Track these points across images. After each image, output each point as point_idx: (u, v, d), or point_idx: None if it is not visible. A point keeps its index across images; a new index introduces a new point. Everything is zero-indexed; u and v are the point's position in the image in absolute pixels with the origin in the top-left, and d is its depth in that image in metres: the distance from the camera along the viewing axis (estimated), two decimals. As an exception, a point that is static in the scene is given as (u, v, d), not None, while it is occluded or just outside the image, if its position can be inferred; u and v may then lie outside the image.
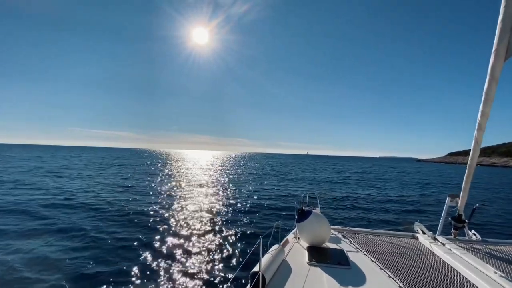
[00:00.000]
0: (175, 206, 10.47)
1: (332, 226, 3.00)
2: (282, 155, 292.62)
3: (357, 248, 2.66)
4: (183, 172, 26.69)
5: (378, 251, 2.58)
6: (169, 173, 25.47)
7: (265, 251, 2.17)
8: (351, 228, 3.38)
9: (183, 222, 8.08)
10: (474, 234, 3.39)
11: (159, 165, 37.86)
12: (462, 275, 2.08)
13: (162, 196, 12.62)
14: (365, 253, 2.52)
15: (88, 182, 16.62)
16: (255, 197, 13.05)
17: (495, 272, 2.03)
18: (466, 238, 3.32)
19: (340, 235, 3.05)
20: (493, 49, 2.58)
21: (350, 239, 2.92)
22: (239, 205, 10.91)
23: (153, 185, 16.36)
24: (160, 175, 23.17)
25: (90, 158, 48.89)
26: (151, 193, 13.33)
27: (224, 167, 38.04)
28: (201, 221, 8.22)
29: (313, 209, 3.06)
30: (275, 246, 2.33)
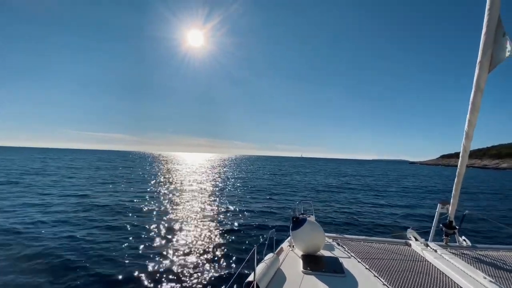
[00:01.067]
0: (145, 220, 8.28)
1: (326, 234, 3.01)
2: (277, 157, 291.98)
3: (351, 255, 2.65)
4: (167, 176, 24.17)
5: (372, 258, 2.58)
6: (150, 177, 22.85)
7: (259, 260, 2.11)
8: (345, 235, 3.35)
9: (158, 238, 6.44)
10: (465, 240, 3.41)
11: (143, 168, 35.05)
12: (453, 281, 2.12)
13: (127, 210, 10.20)
14: (359, 260, 2.51)
15: (41, 189, 13.85)
16: (248, 203, 12.18)
17: (485, 277, 2.06)
18: (457, 244, 3.34)
19: (334, 243, 3.02)
20: (478, 61, 2.64)
21: (344, 246, 2.91)
22: (231, 212, 10.09)
23: (119, 194, 13.83)
24: (137, 180, 20.72)
25: (69, 161, 45.42)
26: (114, 205, 10.77)
27: (216, 171, 35.84)
28: (189, 231, 7.49)
29: (308, 216, 3.01)
30: (270, 255, 2.28)
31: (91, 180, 18.92)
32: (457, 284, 2.09)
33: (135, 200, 11.75)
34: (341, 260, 2.48)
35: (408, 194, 18.12)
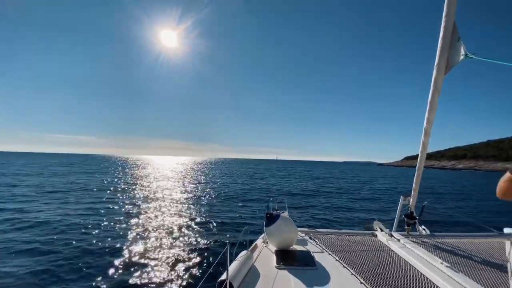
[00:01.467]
0: (91, 237, 6.90)
1: (299, 229, 3.12)
2: (253, 160, 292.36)
3: (322, 248, 2.77)
4: (132, 182, 22.09)
5: (342, 250, 2.73)
6: (111, 184, 20.67)
7: (233, 258, 2.14)
8: (317, 229, 3.48)
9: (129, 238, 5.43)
10: (424, 229, 3.75)
11: (106, 173, 31.99)
12: (414, 268, 2.34)
13: (71, 226, 8.71)
14: (330, 252, 2.65)
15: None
16: (220, 208, 11.82)
17: (442, 263, 2.30)
18: (417, 233, 3.65)
19: (307, 237, 3.13)
20: (435, 64, 2.82)
21: (316, 240, 3.04)
22: (201, 218, 9.75)
23: (68, 205, 12.01)
24: (95, 188, 18.52)
25: (20, 166, 40.28)
26: (56, 221, 9.15)
27: (188, 175, 33.89)
28: (160, 233, 7.51)
29: (281, 212, 3.04)
30: (244, 252, 2.29)
31: (38, 189, 16.43)
32: (417, 270, 2.32)
33: (85, 213, 10.07)
34: (313, 253, 2.59)
35: (380, 197, 18.32)
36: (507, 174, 1.31)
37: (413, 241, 3.03)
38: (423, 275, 2.21)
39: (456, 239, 3.30)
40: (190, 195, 15.51)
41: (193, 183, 23.07)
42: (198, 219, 9.46)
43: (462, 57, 2.61)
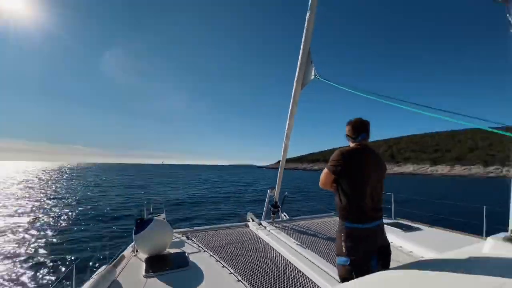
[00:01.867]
0: None
1: (176, 230, 3.24)
2: (135, 165, 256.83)
3: (199, 247, 2.87)
4: None
5: (217, 246, 2.94)
6: None
7: (88, 277, 1.92)
8: (194, 228, 3.63)
9: None
10: (285, 215, 4.53)
11: None
12: (275, 250, 2.82)
13: None
14: (206, 249, 2.78)
15: None
16: (82, 224, 10.15)
17: (294, 242, 2.87)
18: (280, 219, 4.34)
19: (184, 237, 3.18)
20: (295, 80, 3.46)
21: (193, 239, 3.13)
22: (50, 242, 7.95)
23: None
24: None
25: None
26: None
27: (38, 185, 24.60)
28: None
29: (157, 216, 2.96)
30: (102, 268, 2.10)
31: None
32: (277, 251, 2.75)
33: None
34: (188, 253, 2.62)
35: (262, 197, 20.05)
36: (324, 170, 1.75)
37: (276, 227, 3.63)
38: (281, 255, 2.67)
39: (307, 220, 4.18)
40: (27, 219, 10.89)
41: (37, 200, 16.71)
42: (37, 250, 6.74)
43: (312, 77, 3.23)
